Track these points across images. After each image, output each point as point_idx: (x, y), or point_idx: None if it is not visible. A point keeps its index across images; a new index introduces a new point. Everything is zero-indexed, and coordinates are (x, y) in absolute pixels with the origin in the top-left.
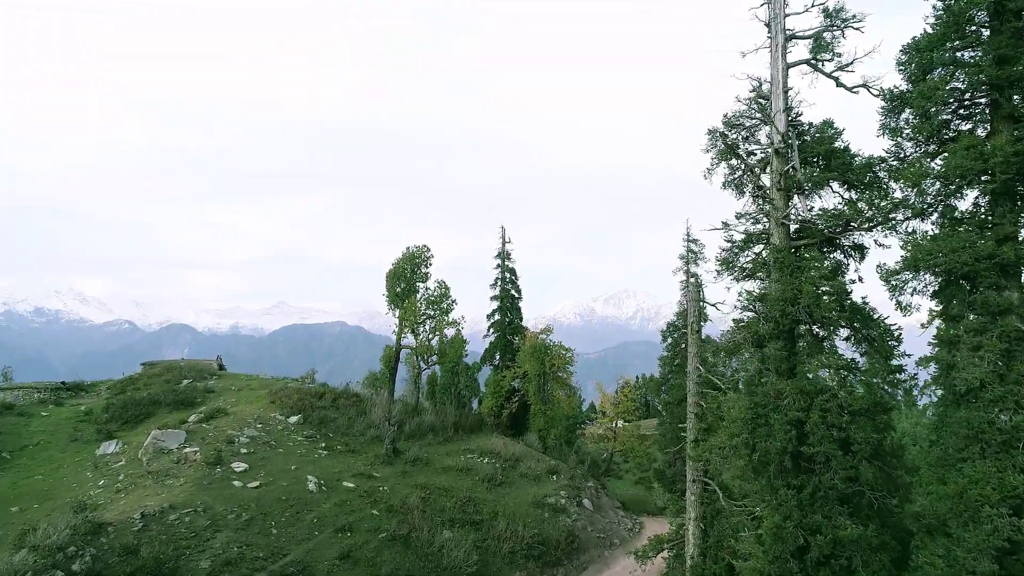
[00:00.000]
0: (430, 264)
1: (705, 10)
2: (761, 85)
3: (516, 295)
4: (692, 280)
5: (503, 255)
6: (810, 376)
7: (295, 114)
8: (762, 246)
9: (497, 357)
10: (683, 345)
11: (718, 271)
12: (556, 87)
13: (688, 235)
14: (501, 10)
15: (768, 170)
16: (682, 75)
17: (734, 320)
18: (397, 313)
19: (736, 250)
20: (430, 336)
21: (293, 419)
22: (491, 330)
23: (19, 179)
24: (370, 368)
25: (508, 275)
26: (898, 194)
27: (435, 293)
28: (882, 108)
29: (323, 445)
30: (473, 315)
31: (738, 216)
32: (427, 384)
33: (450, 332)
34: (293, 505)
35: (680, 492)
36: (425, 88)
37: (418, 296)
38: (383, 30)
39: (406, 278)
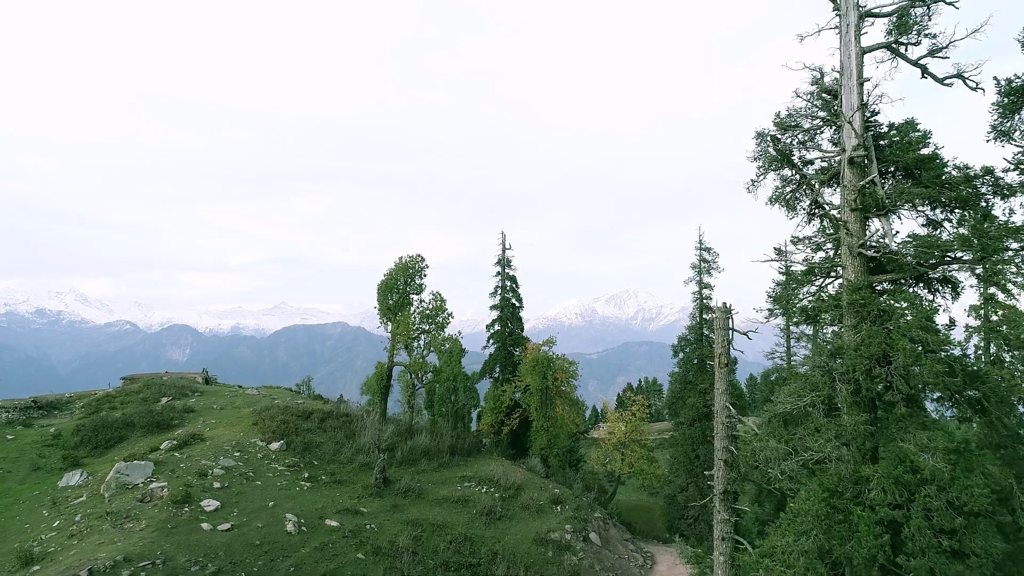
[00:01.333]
0: (424, 275)
1: (705, 10)
2: (822, 76)
3: (517, 304)
4: (721, 306)
5: (503, 262)
6: (906, 458)
7: (298, 115)
8: (828, 279)
9: (497, 370)
10: (696, 360)
11: (770, 311)
12: (557, 87)
13: (700, 243)
14: (504, 10)
15: (836, 183)
16: (682, 75)
17: (794, 374)
18: (389, 327)
19: (794, 285)
20: (424, 352)
21: (275, 445)
22: (491, 341)
23: (22, 180)
24: (371, 370)
25: (508, 283)
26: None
27: (430, 306)
28: (995, 104)
29: (306, 475)
30: (474, 315)
31: (794, 241)
32: (425, 391)
33: (448, 345)
34: (268, 551)
35: (690, 520)
36: (428, 89)
37: (412, 309)
38: (388, 32)
39: (399, 290)
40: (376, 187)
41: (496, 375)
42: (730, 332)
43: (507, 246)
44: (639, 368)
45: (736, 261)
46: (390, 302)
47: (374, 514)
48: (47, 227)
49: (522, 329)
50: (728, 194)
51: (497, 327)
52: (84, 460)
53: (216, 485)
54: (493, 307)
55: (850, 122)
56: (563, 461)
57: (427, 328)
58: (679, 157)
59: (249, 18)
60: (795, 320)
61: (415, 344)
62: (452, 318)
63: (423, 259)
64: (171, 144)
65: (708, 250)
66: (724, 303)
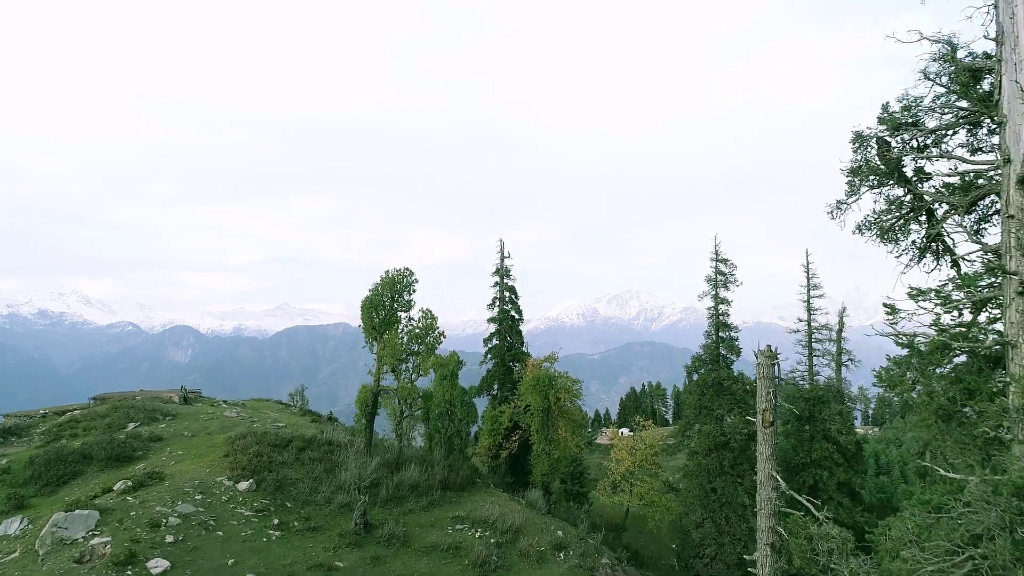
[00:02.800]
0: (414, 290)
1: (705, 10)
2: (954, 50)
3: (516, 316)
4: (765, 351)
5: (501, 272)
6: None
7: (298, 115)
8: (970, 357)
9: (495, 387)
10: (711, 383)
11: (882, 398)
12: (557, 87)
13: (716, 253)
14: (504, 10)
15: (978, 210)
16: (682, 75)
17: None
18: (375, 348)
19: (917, 363)
20: (413, 376)
21: (243, 485)
22: (488, 356)
23: (23, 180)
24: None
25: (507, 294)
26: None
27: (420, 324)
28: None
29: (276, 521)
30: (475, 316)
31: (914, 295)
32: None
33: (437, 371)
34: None
35: (707, 559)
36: (428, 89)
37: (399, 328)
38: (388, 32)
39: (385, 307)
40: (376, 187)
41: (494, 392)
42: (776, 380)
43: (505, 254)
44: (641, 368)
45: (737, 261)
46: (375, 321)
47: (352, 569)
48: (47, 227)
49: (522, 343)
50: (728, 194)
51: (495, 341)
52: (32, 500)
53: (169, 539)
54: (491, 319)
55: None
56: (567, 491)
57: (416, 349)
58: (679, 157)
59: (249, 18)
60: (925, 419)
61: (403, 367)
62: (444, 337)
63: (412, 273)
64: (171, 144)
65: (725, 261)
66: (768, 347)
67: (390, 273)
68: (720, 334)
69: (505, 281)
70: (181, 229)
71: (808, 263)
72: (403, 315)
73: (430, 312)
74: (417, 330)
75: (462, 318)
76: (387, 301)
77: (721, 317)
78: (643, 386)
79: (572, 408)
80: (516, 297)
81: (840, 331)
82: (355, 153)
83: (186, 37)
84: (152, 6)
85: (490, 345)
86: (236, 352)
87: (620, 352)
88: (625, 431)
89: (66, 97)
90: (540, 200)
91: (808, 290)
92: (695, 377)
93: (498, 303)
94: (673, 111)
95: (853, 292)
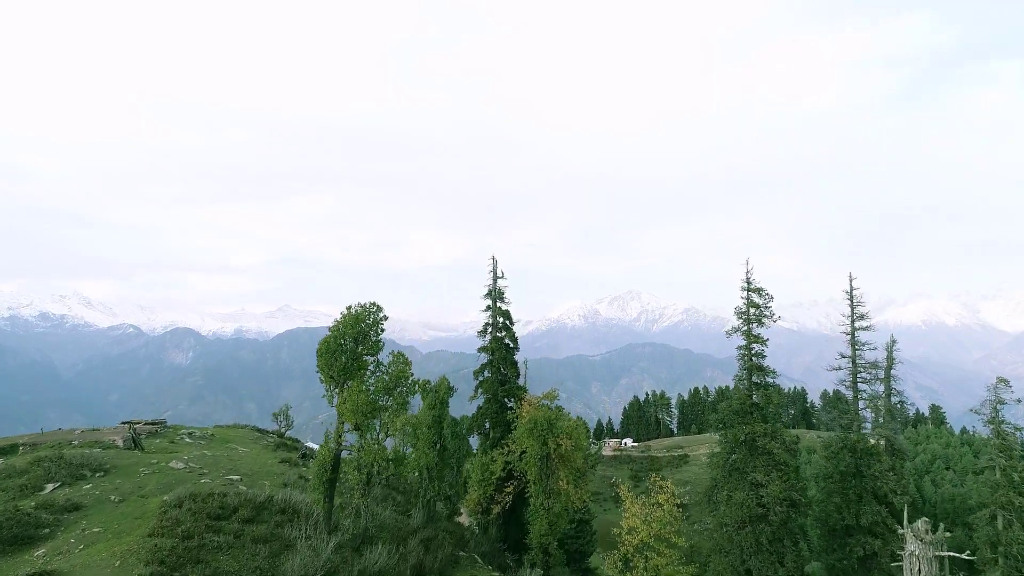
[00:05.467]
0: (382, 329)
1: (705, 10)
2: None
3: (511, 344)
4: (921, 528)
5: (494, 295)
6: None
7: (298, 115)
8: None
9: (487, 426)
10: (744, 439)
11: None
12: (557, 87)
13: (748, 281)
14: (504, 10)
15: None
16: (682, 75)
17: None
18: (335, 401)
19: None
20: (382, 436)
21: None
22: (479, 391)
23: (23, 180)
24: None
25: (501, 320)
26: None
27: (389, 371)
28: None
29: None
30: (475, 316)
31: None
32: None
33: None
34: None
35: None
36: (428, 89)
37: (366, 375)
38: (387, 32)
39: (347, 351)
40: (376, 187)
41: (486, 430)
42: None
43: (499, 274)
44: (642, 370)
45: (737, 262)
46: (335, 369)
47: None
48: (48, 228)
49: (518, 375)
50: (728, 194)
51: (487, 374)
52: None
53: None
54: (482, 349)
55: None
56: (568, 551)
57: (386, 403)
58: (679, 157)
59: (249, 18)
60: None
61: (371, 424)
62: (415, 393)
63: (379, 308)
64: (171, 144)
65: (759, 291)
66: (924, 520)
67: (353, 309)
68: (754, 379)
69: (499, 305)
70: (182, 229)
71: (852, 288)
72: (369, 359)
73: (402, 356)
74: (387, 379)
75: (463, 319)
76: (349, 344)
77: (755, 359)
78: (647, 395)
79: (575, 455)
80: (511, 323)
81: (889, 368)
82: (355, 153)
83: (187, 37)
84: (153, 6)
85: (481, 378)
86: (237, 354)
87: (621, 353)
88: (628, 442)
89: (66, 97)
90: (540, 200)
91: (852, 321)
92: (722, 428)
93: (490, 330)
94: (673, 111)
95: (855, 292)
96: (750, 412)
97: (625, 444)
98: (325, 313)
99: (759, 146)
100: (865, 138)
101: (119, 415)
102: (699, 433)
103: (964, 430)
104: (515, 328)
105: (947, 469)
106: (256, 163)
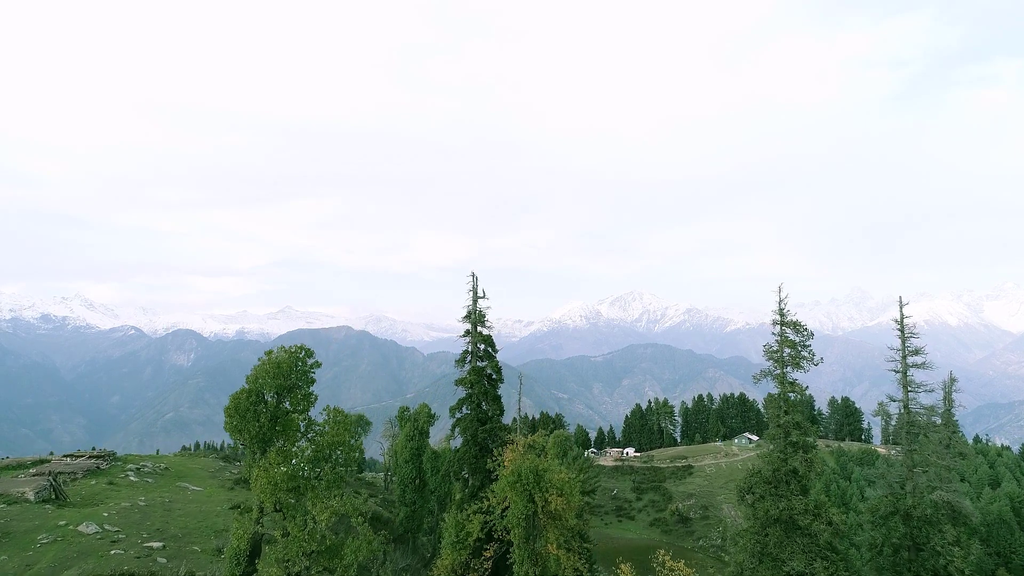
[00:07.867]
0: (312, 377)
1: (709, 13)
2: None
3: (494, 375)
4: None
5: (474, 318)
6: None
7: (305, 119)
8: None
9: (465, 472)
10: (776, 518)
11: None
12: (561, 90)
13: (782, 314)
14: (509, 15)
15: None
16: (683, 78)
17: None
18: (253, 473)
19: None
20: (316, 522)
21: None
22: (456, 431)
23: (28, 185)
24: (374, 375)
25: (482, 346)
26: None
27: (323, 431)
28: None
29: None
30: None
31: None
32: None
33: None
34: None
35: None
36: (433, 93)
37: (296, 437)
38: (393, 37)
39: (267, 411)
40: (380, 190)
41: (464, 476)
42: None
43: (480, 293)
44: (644, 371)
45: (740, 262)
46: (249, 434)
47: None
48: (53, 231)
49: (502, 412)
50: (730, 195)
51: (465, 410)
52: None
53: None
54: (459, 382)
55: None
56: None
57: (320, 480)
58: (682, 159)
59: (255, 23)
60: None
61: (298, 505)
62: (363, 463)
63: (311, 354)
64: (176, 148)
65: (796, 325)
66: None
67: (274, 356)
68: (790, 439)
69: (479, 330)
70: (185, 233)
71: (902, 317)
72: (298, 419)
73: (341, 413)
74: (321, 448)
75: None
76: (271, 399)
77: (790, 413)
78: (649, 403)
79: (567, 513)
80: (494, 351)
81: (949, 410)
82: (359, 156)
83: (192, 42)
84: (158, 11)
85: (458, 415)
86: (239, 355)
87: (623, 354)
88: (630, 451)
89: (72, 102)
90: (543, 202)
91: (903, 357)
92: (747, 498)
93: (470, 358)
94: (675, 114)
95: (856, 292)
96: (786, 482)
97: (627, 454)
98: (327, 315)
99: (760, 147)
100: (867, 138)
101: (120, 417)
102: (703, 442)
103: (977, 439)
104: (517, 329)
105: (962, 480)
106: (260, 166)
